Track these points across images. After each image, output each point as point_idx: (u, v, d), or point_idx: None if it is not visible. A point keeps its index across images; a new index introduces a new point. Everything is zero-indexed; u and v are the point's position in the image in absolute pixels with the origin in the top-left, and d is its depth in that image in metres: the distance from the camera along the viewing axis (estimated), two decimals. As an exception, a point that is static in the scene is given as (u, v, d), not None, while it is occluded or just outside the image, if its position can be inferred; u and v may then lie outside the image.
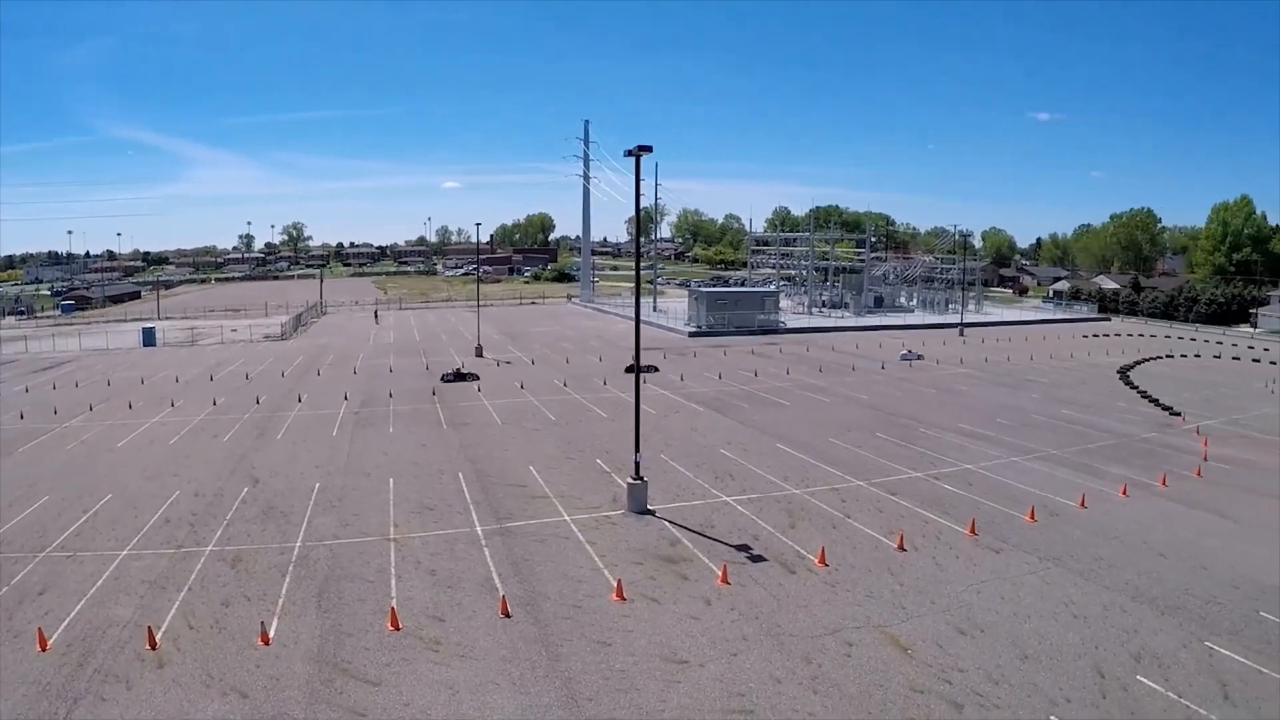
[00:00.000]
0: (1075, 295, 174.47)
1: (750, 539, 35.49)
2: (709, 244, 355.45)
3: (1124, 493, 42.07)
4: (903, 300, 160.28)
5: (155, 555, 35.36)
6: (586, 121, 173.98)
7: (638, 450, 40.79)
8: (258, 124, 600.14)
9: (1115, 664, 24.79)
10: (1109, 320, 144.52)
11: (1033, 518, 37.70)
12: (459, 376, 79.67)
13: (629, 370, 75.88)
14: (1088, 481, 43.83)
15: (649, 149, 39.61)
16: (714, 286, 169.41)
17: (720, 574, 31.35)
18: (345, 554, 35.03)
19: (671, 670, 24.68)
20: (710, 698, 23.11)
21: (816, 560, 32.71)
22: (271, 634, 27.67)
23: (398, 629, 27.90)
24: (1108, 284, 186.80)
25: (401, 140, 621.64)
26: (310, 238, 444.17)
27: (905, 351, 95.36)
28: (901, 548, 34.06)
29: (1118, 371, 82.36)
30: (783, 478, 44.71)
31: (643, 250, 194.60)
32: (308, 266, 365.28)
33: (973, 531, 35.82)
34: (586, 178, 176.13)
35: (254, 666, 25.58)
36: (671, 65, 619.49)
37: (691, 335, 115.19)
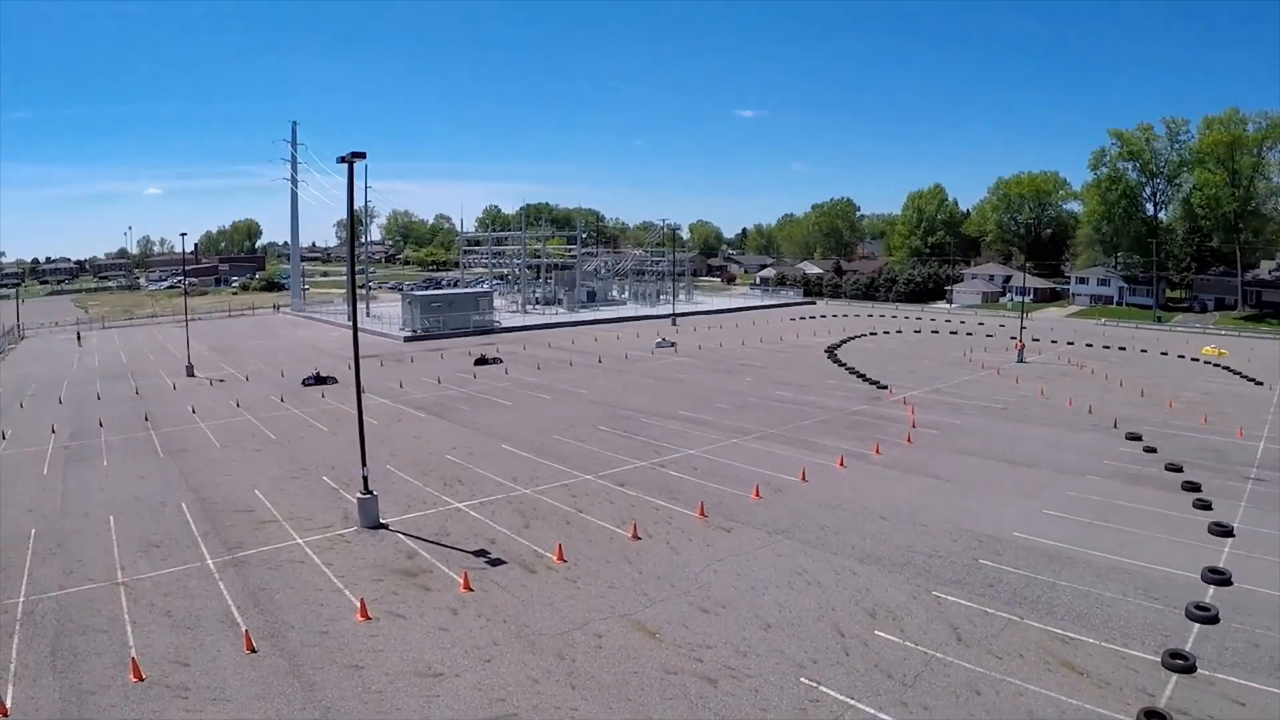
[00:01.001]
0: (781, 281, 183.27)
1: (487, 543, 35.66)
2: (420, 245, 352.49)
3: (841, 464, 44.72)
4: (615, 294, 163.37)
5: None
6: (294, 123, 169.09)
7: (364, 464, 40.08)
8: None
9: (853, 622, 26.60)
10: (814, 304, 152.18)
11: (758, 495, 39.53)
12: (319, 380, 78.83)
13: (306, 383, 75.76)
14: (807, 456, 46.31)
15: (362, 155, 38.82)
16: (427, 289, 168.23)
17: (462, 581, 31.40)
18: (74, 604, 32.63)
19: (428, 684, 24.56)
20: (471, 707, 23.20)
21: (555, 557, 33.22)
22: (9, 704, 25.63)
23: (141, 679, 26.26)
24: (812, 269, 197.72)
25: (96, 144, 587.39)
26: (3, 254, 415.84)
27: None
28: (636, 536, 35.01)
29: (825, 351, 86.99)
30: (512, 479, 45.03)
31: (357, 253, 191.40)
32: (1, 286, 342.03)
33: (702, 514, 37.27)
34: (295, 181, 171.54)
35: None
36: (376, 63, 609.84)
37: (407, 340, 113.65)
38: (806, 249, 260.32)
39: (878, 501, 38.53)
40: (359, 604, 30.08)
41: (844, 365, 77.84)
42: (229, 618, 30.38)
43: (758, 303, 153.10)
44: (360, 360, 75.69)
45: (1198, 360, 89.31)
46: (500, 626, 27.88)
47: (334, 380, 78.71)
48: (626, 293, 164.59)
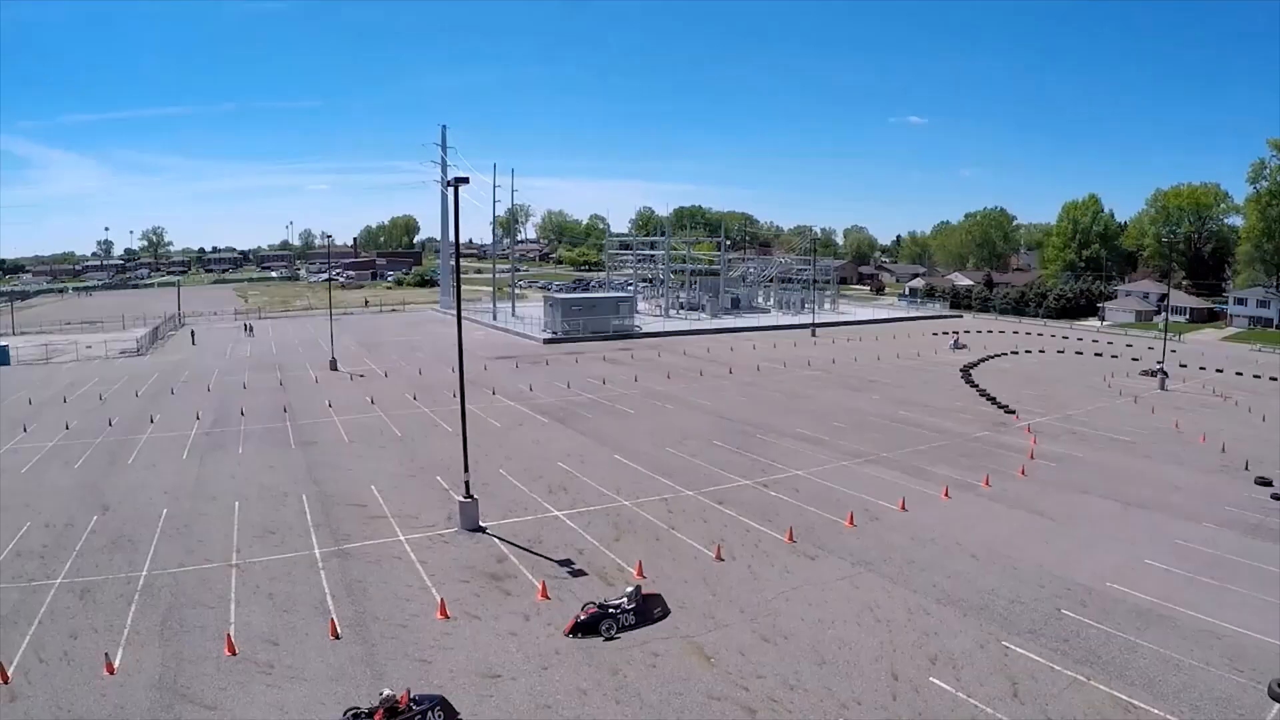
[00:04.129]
0: (930, 293, 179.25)
1: (575, 553, 36.58)
2: (573, 245, 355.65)
3: (946, 494, 44.01)
4: (760, 301, 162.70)
5: (6, 589, 35.29)
6: (444, 127, 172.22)
7: (466, 469, 41.58)
8: (109, 122, 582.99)
9: (910, 666, 26.23)
10: (961, 317, 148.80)
11: (852, 523, 39.33)
12: None
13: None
14: (912, 484, 45.78)
15: (465, 180, 41.11)
16: (570, 292, 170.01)
17: (540, 589, 32.38)
18: (189, 581, 35.33)
19: (485, 684, 25.74)
20: (518, 710, 24.24)
21: (635, 573, 33.85)
22: (116, 664, 28.21)
23: (234, 654, 28.57)
24: (962, 281, 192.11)
25: (264, 141, 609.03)
26: (171, 243, 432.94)
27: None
28: (720, 558, 35.34)
29: (961, 370, 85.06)
30: (615, 490, 45.84)
31: (504, 253, 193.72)
32: (169, 273, 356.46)
33: (791, 539, 37.32)
34: (444, 185, 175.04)
35: (100, 696, 26.24)
36: (540, 61, 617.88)
37: (547, 342, 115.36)
38: (959, 259, 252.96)
39: (973, 538, 37.82)
40: (440, 602, 31.51)
41: (976, 386, 76.24)
42: (322, 605, 32.34)
43: (903, 314, 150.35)
44: (498, 361, 77.50)
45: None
46: (565, 637, 28.71)
47: None
48: (771, 300, 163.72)
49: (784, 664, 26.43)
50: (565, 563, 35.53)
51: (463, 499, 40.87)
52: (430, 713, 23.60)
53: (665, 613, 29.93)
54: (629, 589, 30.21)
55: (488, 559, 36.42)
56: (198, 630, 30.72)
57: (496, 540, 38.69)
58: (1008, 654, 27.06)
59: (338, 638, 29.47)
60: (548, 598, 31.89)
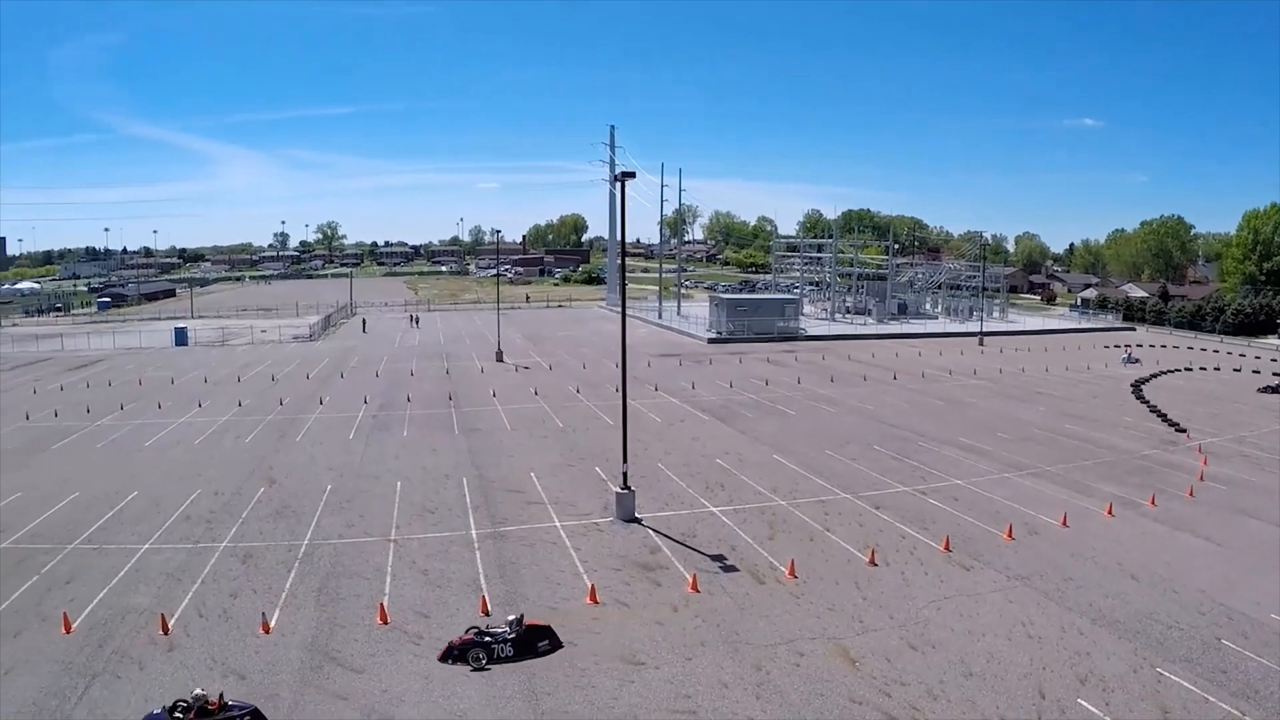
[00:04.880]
0: (1102, 304, 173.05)
1: (728, 549, 36.61)
2: (740, 247, 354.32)
3: (1109, 512, 42.43)
4: (927, 307, 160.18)
5: (174, 550, 37.68)
6: (612, 127, 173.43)
7: (625, 460, 42.17)
8: (288, 120, 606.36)
9: (1059, 686, 25.35)
10: (1134, 330, 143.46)
11: (1010, 535, 38.29)
12: None
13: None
14: (1075, 499, 44.34)
15: (632, 175, 41.70)
16: (736, 292, 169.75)
17: (691, 582, 32.60)
18: (348, 553, 36.94)
19: (627, 671, 26.08)
20: (659, 698, 24.44)
21: (787, 572, 33.73)
22: (272, 624, 29.80)
23: (386, 623, 29.77)
24: (1136, 292, 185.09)
25: (434, 140, 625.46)
26: (344, 236, 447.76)
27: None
28: (873, 562, 34.89)
29: (1131, 385, 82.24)
30: (771, 489, 45.72)
31: (671, 253, 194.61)
32: (341, 265, 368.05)
33: (947, 548, 36.59)
34: (612, 183, 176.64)
35: (254, 653, 27.77)
36: (709, 63, 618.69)
37: (711, 341, 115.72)
38: (1133, 269, 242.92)
39: (1134, 558, 36.25)
40: (590, 588, 32.09)
41: (1146, 402, 73.45)
42: (475, 583, 33.36)
43: (1073, 325, 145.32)
44: (661, 359, 78.03)
45: None
46: (712, 629, 28.86)
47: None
48: (939, 306, 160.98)
49: (929, 673, 25.95)
50: (718, 558, 35.60)
51: (620, 490, 41.42)
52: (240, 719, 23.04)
53: (554, 646, 27.55)
54: (510, 618, 27.88)
55: (641, 549, 36.84)
56: (352, 599, 32.12)
57: (651, 532, 39.10)
58: (1161, 681, 25.77)
59: (488, 615, 30.24)
60: (698, 591, 32.03)
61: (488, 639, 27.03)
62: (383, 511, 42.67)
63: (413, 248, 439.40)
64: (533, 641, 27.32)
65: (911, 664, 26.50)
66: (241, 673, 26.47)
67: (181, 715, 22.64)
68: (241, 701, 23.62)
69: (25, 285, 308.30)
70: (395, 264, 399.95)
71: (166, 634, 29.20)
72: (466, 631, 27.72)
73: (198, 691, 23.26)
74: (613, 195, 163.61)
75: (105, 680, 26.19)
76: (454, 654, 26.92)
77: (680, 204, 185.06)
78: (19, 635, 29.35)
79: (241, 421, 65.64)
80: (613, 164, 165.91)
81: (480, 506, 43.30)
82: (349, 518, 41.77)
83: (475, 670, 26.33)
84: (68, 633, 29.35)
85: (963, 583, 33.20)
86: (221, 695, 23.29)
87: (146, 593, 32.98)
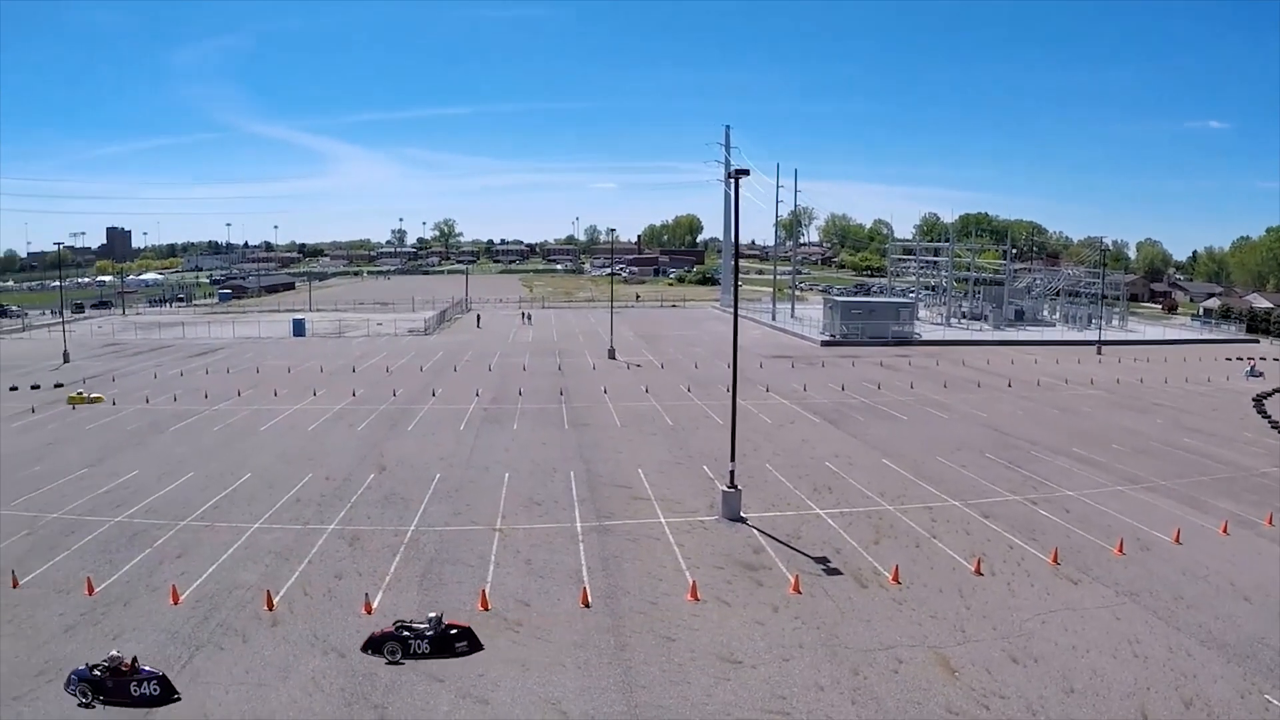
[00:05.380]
0: (1225, 314, 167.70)
1: (832, 552, 36.52)
2: (856, 249, 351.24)
3: (1225, 530, 41.09)
4: (1045, 314, 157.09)
5: (283, 530, 39.33)
6: (727, 127, 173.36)
7: (733, 459, 42.40)
8: (405, 120, 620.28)
9: (1162, 707, 24.71)
10: (1257, 342, 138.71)
11: (1121, 550, 37.40)
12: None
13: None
14: (1190, 516, 43.12)
15: (746, 172, 41.79)
16: (855, 294, 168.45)
17: (793, 583, 32.64)
18: (453, 540, 37.98)
19: (724, 669, 26.23)
20: (754, 697, 24.55)
21: (890, 578, 33.51)
22: (375, 605, 30.91)
23: (486, 609, 30.66)
24: (1261, 303, 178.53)
25: (549, 140, 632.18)
26: (461, 234, 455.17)
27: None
28: (978, 572, 34.45)
29: (1253, 399, 79.80)
30: (879, 493, 45.41)
31: (786, 255, 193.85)
32: (458, 262, 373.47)
33: (1055, 560, 35.85)
34: (726, 182, 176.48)
35: (355, 632, 28.72)
36: (829, 63, 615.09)
37: (824, 344, 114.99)
38: (1258, 279, 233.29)
39: (1248, 579, 34.92)
40: (691, 584, 32.33)
41: (1268, 418, 70.90)
42: (577, 575, 33.92)
43: (1193, 336, 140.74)
44: (774, 360, 78.20)
45: None
46: (812, 632, 28.87)
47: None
48: (1056, 314, 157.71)
49: (1030, 687, 25.52)
50: (821, 560, 35.55)
51: (726, 488, 41.56)
52: (146, 683, 24.56)
53: (473, 648, 27.67)
54: (431, 615, 28.19)
55: (744, 549, 36.96)
56: (455, 584, 33.05)
57: (755, 531, 39.20)
58: (1269, 709, 24.90)
59: (588, 606, 30.87)
60: (799, 592, 32.05)
61: (406, 634, 27.44)
62: (490, 501, 43.62)
63: (528, 246, 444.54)
64: (451, 641, 27.59)
65: (1012, 677, 26.11)
66: (341, 650, 27.49)
67: (100, 673, 24.65)
68: (152, 670, 25.23)
69: (149, 276, 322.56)
70: (511, 261, 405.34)
71: (271, 610, 30.52)
72: (392, 624, 28.22)
73: (114, 653, 25.25)
74: (728, 196, 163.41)
75: (209, 651, 27.52)
76: (374, 645, 27.47)
77: (796, 206, 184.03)
78: (129, 604, 31.19)
79: (355, 410, 67.31)
80: (728, 164, 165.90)
81: (587, 500, 43.96)
82: (456, 506, 42.82)
83: (390, 664, 26.79)
84: (175, 604, 31.00)
85: (1069, 596, 32.56)
86: (135, 659, 25.23)
87: (254, 570, 34.52)
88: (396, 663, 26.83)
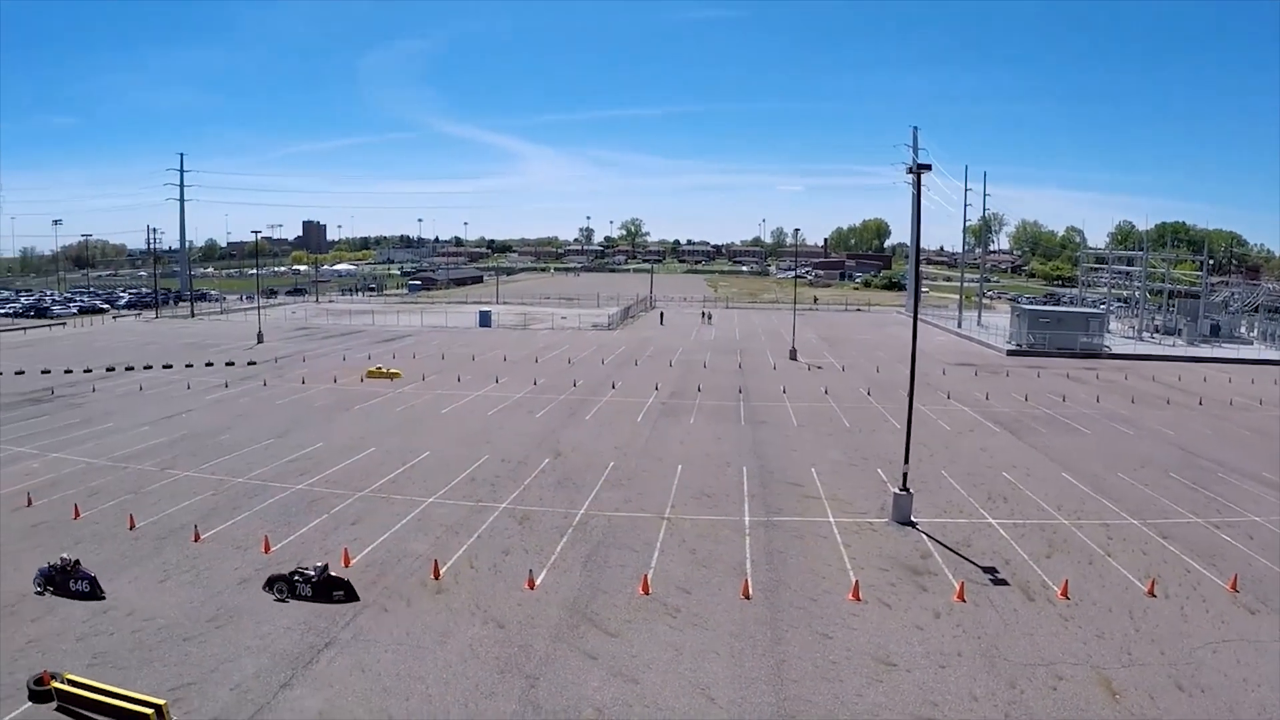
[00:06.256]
0: None
1: (1001, 563, 36.05)
2: (1047, 258, 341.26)
3: None
4: (1242, 330, 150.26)
5: (456, 505, 41.59)
6: (914, 128, 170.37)
7: (906, 461, 42.30)
8: (592, 120, 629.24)
9: None
10: None
11: (1308, 581, 36.00)
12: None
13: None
14: (1388, 548, 41.25)
15: (929, 167, 41.57)
16: (1044, 304, 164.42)
17: (958, 591, 32.41)
18: (621, 526, 39.23)
19: (878, 670, 26.38)
20: (905, 701, 24.62)
21: (1059, 593, 32.84)
22: (538, 582, 32.42)
23: (647, 594, 31.63)
24: None
25: (739, 140, 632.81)
26: (648, 234, 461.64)
27: None
28: (1151, 593, 33.45)
29: None
30: (1056, 507, 44.46)
31: (974, 261, 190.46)
32: (644, 261, 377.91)
33: (1234, 588, 34.45)
34: (911, 178, 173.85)
35: (516, 605, 30.39)
36: (1020, 65, 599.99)
37: (1009, 353, 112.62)
38: None
39: None
40: (854, 584, 32.54)
41: None
42: (740, 567, 34.57)
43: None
44: (957, 367, 77.67)
45: None
46: (971, 641, 28.64)
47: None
48: (1255, 330, 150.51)
49: (1193, 717, 24.75)
50: (989, 570, 35.16)
51: (898, 491, 41.57)
52: (78, 581, 31.18)
53: (349, 598, 30.72)
54: (318, 565, 31.48)
55: (911, 553, 36.89)
56: (618, 568, 34.12)
57: (924, 536, 39.05)
58: None
59: (748, 598, 31.44)
60: (964, 600, 31.84)
61: (296, 578, 30.86)
62: (660, 491, 44.71)
63: (714, 247, 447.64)
64: (329, 589, 30.72)
65: (1176, 705, 25.31)
66: (501, 622, 28.96)
67: (53, 571, 31.52)
68: (89, 573, 31.66)
69: (342, 267, 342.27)
70: (697, 262, 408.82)
71: (437, 579, 32.52)
72: (290, 570, 31.52)
73: (65, 555, 32.07)
74: (915, 199, 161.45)
75: (373, 612, 29.62)
76: (269, 583, 31.38)
77: (984, 211, 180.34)
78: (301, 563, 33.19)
79: (535, 398, 69.31)
80: (915, 166, 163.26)
81: (757, 495, 44.52)
82: (627, 494, 44.04)
83: (277, 601, 30.59)
84: (346, 566, 33.40)
85: (1245, 627, 31.29)
86: (79, 560, 32.19)
87: (424, 540, 36.70)
88: (283, 600, 30.56)
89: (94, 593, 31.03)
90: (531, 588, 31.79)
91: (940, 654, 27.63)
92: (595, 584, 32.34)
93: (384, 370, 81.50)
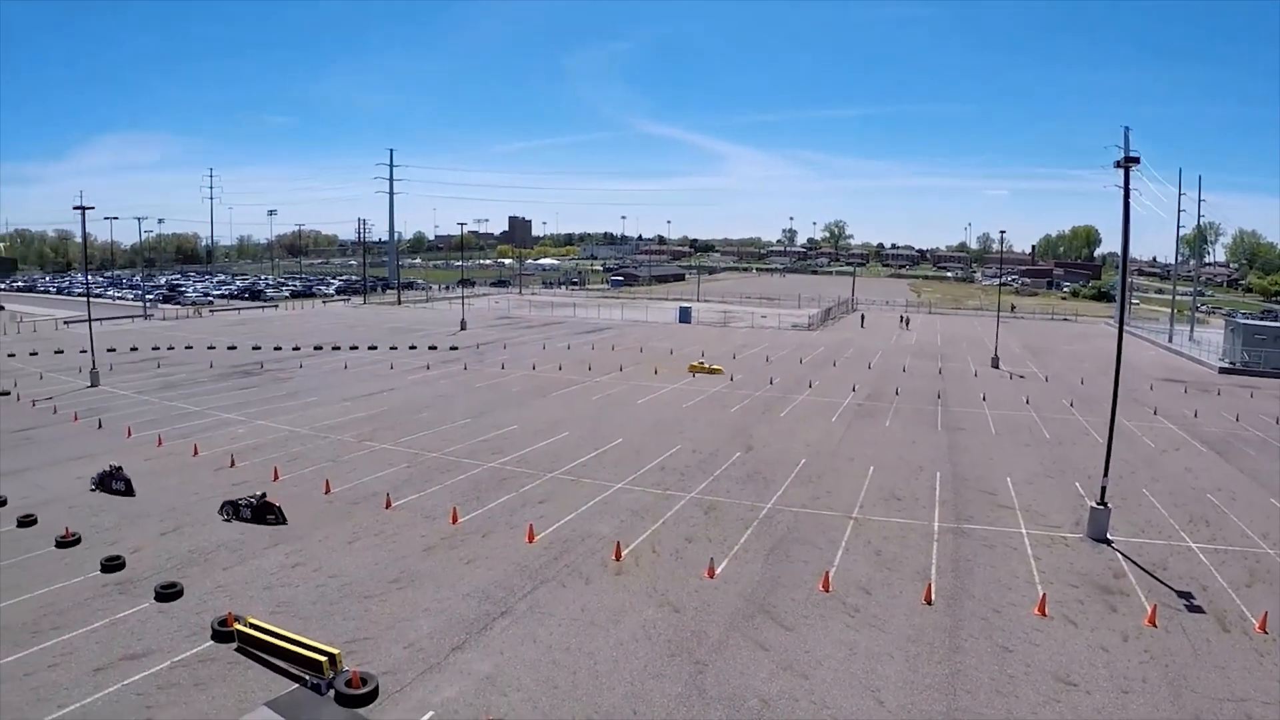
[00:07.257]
0: None
1: (1198, 589, 34.58)
2: (1266, 272, 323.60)
3: None
4: None
5: (643, 492, 42.79)
6: (1126, 129, 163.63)
7: (1106, 474, 41.05)
8: (796, 121, 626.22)
9: None
10: None
11: None
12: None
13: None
14: None
15: (1137, 160, 40.34)
16: (1255, 319, 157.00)
17: (1149, 614, 31.31)
18: (806, 522, 39.52)
19: (1057, 689, 25.76)
20: (1083, 722, 23.90)
21: (1257, 625, 31.28)
22: (718, 571, 33.07)
23: (827, 591, 31.82)
24: None
25: (944, 143, 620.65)
26: (851, 236, 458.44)
27: None
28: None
29: None
30: (1262, 534, 42.27)
31: (1188, 273, 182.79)
32: (846, 263, 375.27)
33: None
34: (1128, 190, 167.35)
35: (694, 591, 31.13)
36: (1241, 64, 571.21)
37: (1222, 371, 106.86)
38: None
39: None
40: (1041, 598, 31.84)
41: None
42: (924, 571, 34.32)
43: None
44: (1165, 383, 75.41)
45: None
46: (1159, 669, 27.58)
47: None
48: None
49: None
50: (1185, 595, 33.81)
51: (1095, 505, 40.41)
52: (118, 481, 41.23)
53: (279, 520, 37.31)
54: (256, 494, 38.89)
55: (1104, 571, 35.82)
56: (801, 563, 34.41)
57: (1119, 555, 37.84)
58: None
59: (929, 604, 31.21)
60: (1154, 625, 30.73)
61: (241, 503, 37.85)
62: (849, 490, 44.79)
63: (919, 251, 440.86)
64: (264, 513, 37.43)
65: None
66: (677, 606, 29.73)
67: (103, 476, 41.78)
68: (124, 474, 41.55)
69: (545, 261, 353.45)
70: (900, 266, 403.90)
71: (618, 560, 33.67)
72: (237, 497, 38.70)
73: (112, 464, 41.90)
74: (1127, 204, 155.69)
75: (551, 587, 30.93)
76: (221, 507, 38.49)
77: (1200, 216, 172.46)
78: (487, 536, 35.93)
79: (730, 394, 69.96)
80: (1125, 160, 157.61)
81: (948, 501, 44.01)
82: (815, 491, 44.26)
83: (225, 521, 37.53)
84: (530, 542, 35.13)
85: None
86: (120, 466, 42.01)
87: (609, 523, 37.91)
88: (228, 520, 37.47)
89: (128, 490, 41.12)
90: (711, 576, 32.41)
91: (1124, 678, 26.75)
92: (776, 577, 32.71)
93: (705, 365, 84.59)
